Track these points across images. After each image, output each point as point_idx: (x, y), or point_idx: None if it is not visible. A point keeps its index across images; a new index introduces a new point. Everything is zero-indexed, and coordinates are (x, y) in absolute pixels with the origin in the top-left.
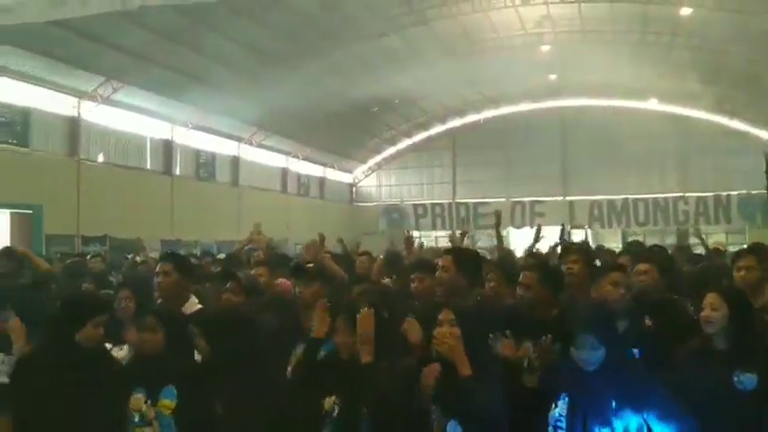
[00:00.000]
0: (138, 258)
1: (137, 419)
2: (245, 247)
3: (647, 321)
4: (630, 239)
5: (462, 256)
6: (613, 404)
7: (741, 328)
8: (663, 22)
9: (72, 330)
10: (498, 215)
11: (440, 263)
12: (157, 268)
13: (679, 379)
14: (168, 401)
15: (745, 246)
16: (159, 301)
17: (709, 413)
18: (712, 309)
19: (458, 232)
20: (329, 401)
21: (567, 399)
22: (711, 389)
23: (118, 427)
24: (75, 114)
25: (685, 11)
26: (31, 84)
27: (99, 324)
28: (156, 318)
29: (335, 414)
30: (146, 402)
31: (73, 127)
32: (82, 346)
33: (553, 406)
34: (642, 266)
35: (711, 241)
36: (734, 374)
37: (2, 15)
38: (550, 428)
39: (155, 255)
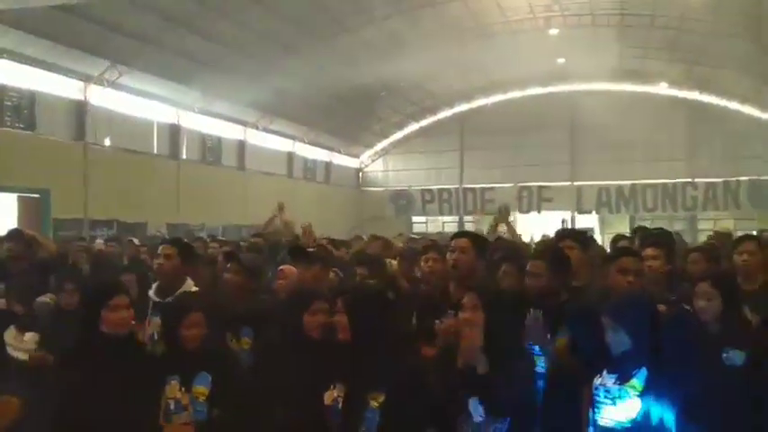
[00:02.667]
0: (136, 241)
1: (172, 407)
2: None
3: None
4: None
5: (480, 240)
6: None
7: (731, 310)
8: (672, 5)
9: (91, 321)
10: (505, 209)
11: (455, 244)
12: (159, 250)
13: (687, 360)
14: (202, 388)
15: (754, 232)
16: (156, 282)
17: (705, 390)
18: (706, 299)
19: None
20: (330, 395)
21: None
22: (705, 368)
23: (155, 414)
24: (82, 98)
25: None
26: (38, 67)
27: (117, 307)
28: (203, 314)
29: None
30: (180, 389)
31: (79, 111)
32: (107, 334)
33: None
34: (650, 251)
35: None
36: (723, 351)
37: None
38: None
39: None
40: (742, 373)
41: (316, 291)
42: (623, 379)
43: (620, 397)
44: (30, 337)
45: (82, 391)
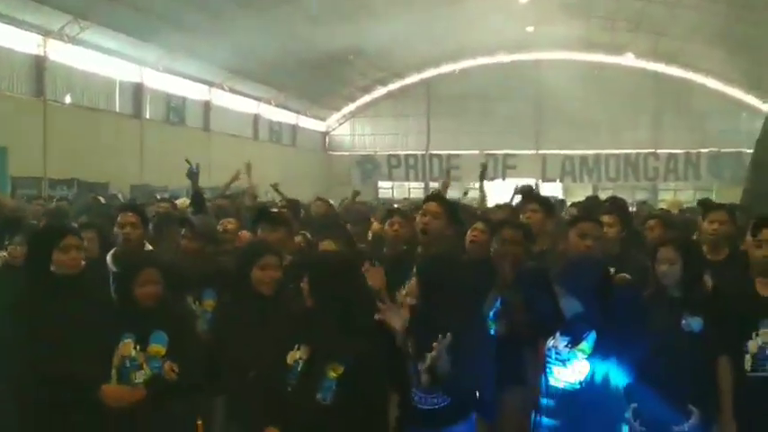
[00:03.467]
0: (101, 199)
1: (128, 364)
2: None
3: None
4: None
5: (450, 205)
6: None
7: (692, 277)
8: None
9: (42, 261)
10: (484, 167)
11: (426, 208)
12: (120, 218)
13: (636, 323)
14: (158, 347)
15: None
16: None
17: (662, 355)
18: (669, 263)
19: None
20: (293, 355)
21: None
22: (663, 332)
23: (106, 359)
24: (41, 53)
25: None
26: None
27: (68, 248)
28: (159, 270)
29: (299, 369)
30: (135, 348)
31: (38, 66)
32: (58, 275)
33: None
34: (606, 218)
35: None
36: (683, 318)
37: None
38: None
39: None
40: (698, 339)
41: (266, 244)
42: (574, 342)
43: (569, 359)
44: None
45: (32, 334)
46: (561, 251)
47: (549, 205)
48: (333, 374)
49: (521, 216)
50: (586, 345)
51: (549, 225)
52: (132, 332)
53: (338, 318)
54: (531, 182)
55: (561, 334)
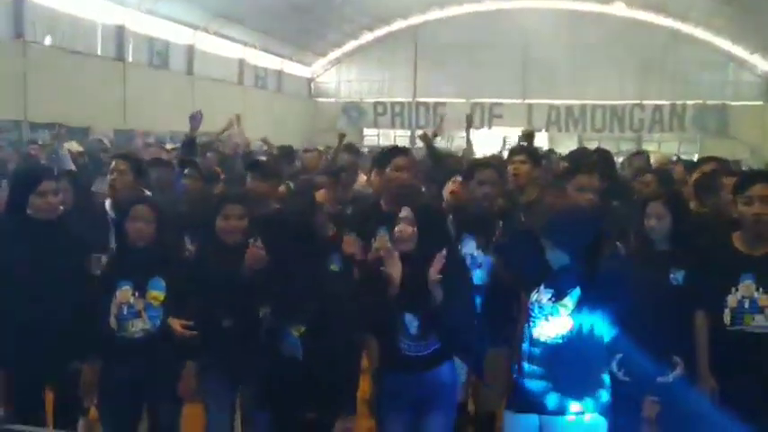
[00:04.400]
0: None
1: (125, 312)
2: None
3: None
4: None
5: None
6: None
7: (680, 231)
8: None
9: (19, 206)
10: (470, 118)
11: (398, 162)
12: (112, 165)
13: (621, 278)
14: (157, 293)
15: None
16: (108, 199)
17: (648, 308)
18: (658, 218)
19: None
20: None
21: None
22: (651, 286)
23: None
24: None
25: None
26: None
27: (45, 193)
28: (150, 208)
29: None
30: (133, 294)
31: (17, 6)
32: (34, 218)
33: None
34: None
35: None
36: (670, 272)
37: None
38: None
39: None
40: (681, 291)
41: (229, 195)
42: (558, 297)
43: (551, 314)
44: None
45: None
46: (550, 202)
47: (536, 156)
48: (296, 333)
49: (508, 167)
50: (570, 300)
51: (536, 175)
52: (129, 279)
53: (294, 276)
54: (516, 131)
55: (545, 287)
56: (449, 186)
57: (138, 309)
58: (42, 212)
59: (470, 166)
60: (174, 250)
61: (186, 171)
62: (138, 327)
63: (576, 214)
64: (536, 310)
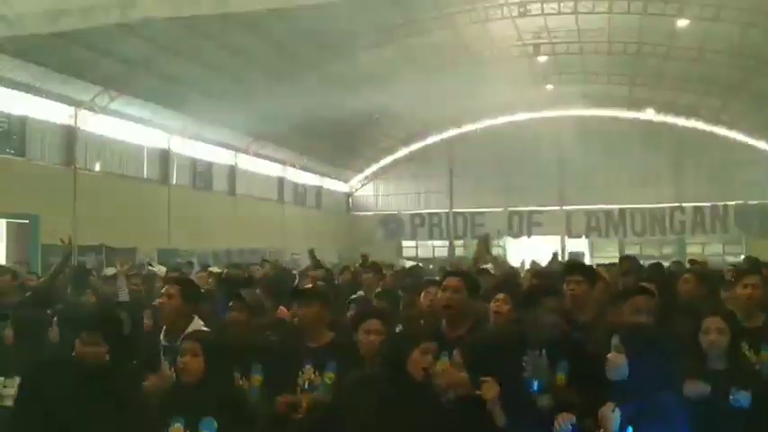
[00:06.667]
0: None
1: None
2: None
3: None
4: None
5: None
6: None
7: (736, 348)
8: (659, 33)
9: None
10: (486, 238)
11: (447, 284)
12: (162, 290)
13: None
14: None
15: (742, 256)
16: (153, 323)
17: (705, 428)
18: (720, 333)
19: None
20: None
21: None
22: (709, 407)
23: None
24: (72, 123)
25: (682, 22)
26: (28, 93)
27: (93, 342)
28: (197, 342)
29: None
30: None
31: (69, 136)
32: (84, 362)
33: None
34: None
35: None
36: (730, 393)
37: (1, 27)
38: None
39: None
40: (747, 414)
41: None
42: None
43: None
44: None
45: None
46: (611, 324)
47: (592, 275)
48: None
49: (564, 288)
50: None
51: (594, 295)
52: (181, 416)
53: None
54: (556, 239)
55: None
56: (492, 306)
57: None
58: (91, 358)
59: (532, 291)
60: (228, 389)
61: (232, 304)
62: None
63: (648, 335)
64: None
